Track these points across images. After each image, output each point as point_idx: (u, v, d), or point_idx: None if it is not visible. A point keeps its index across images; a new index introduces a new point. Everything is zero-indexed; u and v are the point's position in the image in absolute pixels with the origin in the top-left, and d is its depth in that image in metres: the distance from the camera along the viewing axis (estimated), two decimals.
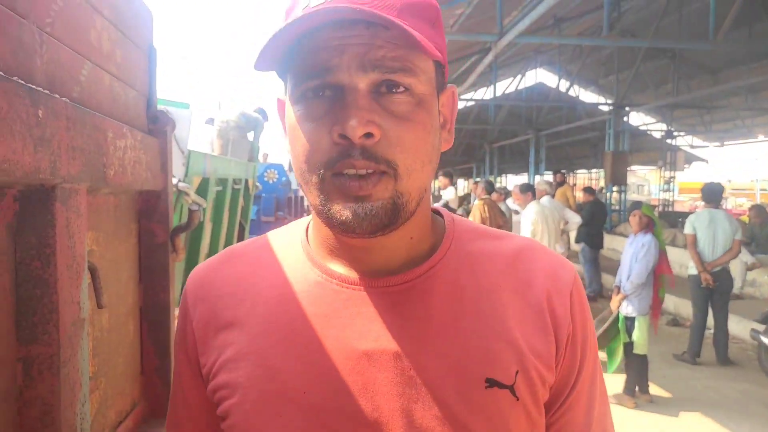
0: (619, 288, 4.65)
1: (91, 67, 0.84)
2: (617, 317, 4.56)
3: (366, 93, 0.55)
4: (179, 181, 2.05)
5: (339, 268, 0.66)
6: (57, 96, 0.68)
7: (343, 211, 0.57)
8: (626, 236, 10.30)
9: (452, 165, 26.14)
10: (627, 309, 4.54)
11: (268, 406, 0.61)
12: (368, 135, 0.54)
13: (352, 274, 0.65)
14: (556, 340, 0.66)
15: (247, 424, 0.62)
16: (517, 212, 7.60)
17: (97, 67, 0.86)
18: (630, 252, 4.63)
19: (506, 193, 9.43)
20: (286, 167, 6.65)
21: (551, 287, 0.68)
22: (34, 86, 0.62)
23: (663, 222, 11.54)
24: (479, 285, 0.66)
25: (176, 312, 1.74)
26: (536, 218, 5.90)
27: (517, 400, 0.62)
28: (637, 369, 4.58)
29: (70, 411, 0.68)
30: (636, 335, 4.46)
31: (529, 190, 6.07)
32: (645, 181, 31.44)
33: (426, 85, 0.59)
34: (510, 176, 28.68)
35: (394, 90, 0.56)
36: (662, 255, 4.55)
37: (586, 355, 0.70)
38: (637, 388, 4.63)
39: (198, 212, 1.18)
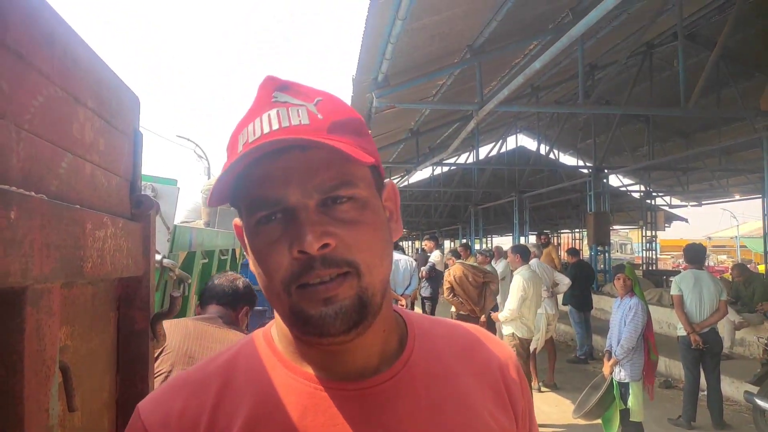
0: (610, 353, 4.59)
1: (71, 158, 0.82)
2: (611, 383, 4.48)
3: (315, 209, 0.61)
4: (163, 257, 2.01)
5: (320, 372, 0.67)
6: (32, 194, 0.65)
7: (314, 316, 0.60)
8: (613, 296, 10.28)
9: (438, 227, 26.32)
10: (620, 375, 4.46)
11: None
12: (325, 245, 0.59)
13: (330, 377, 0.66)
14: (515, 417, 0.74)
15: None
16: (503, 278, 7.60)
17: (78, 158, 0.85)
18: (618, 316, 4.62)
19: (491, 256, 9.45)
20: None
21: (504, 371, 0.76)
22: (7, 187, 0.60)
23: (647, 281, 11.58)
24: (446, 370, 0.71)
25: None
26: (528, 284, 5.85)
27: None
28: None
29: None
30: (631, 402, 4.38)
31: (518, 252, 6.11)
32: (628, 240, 31.79)
33: (366, 189, 0.64)
34: (495, 237, 28.84)
35: (338, 201, 0.62)
36: (649, 317, 4.54)
37: (533, 425, 0.80)
38: None
39: (179, 298, 1.15)
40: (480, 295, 6.57)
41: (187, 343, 1.78)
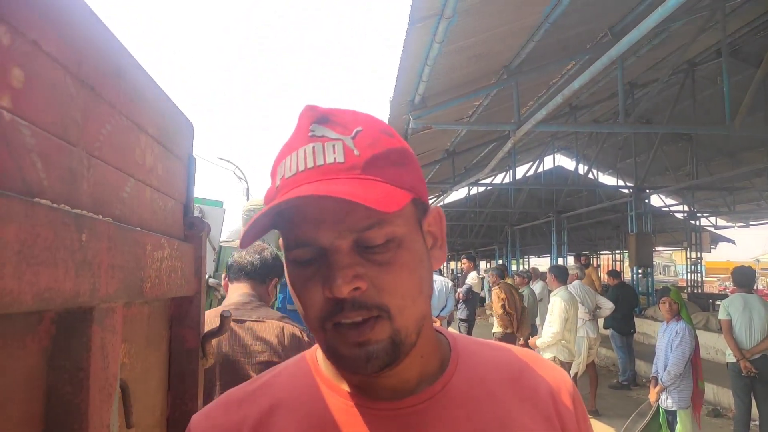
0: (656, 379, 4.45)
1: (133, 183, 0.86)
2: (657, 410, 4.33)
3: (348, 251, 0.60)
4: (209, 276, 2.06)
5: (360, 391, 0.68)
6: (100, 217, 0.69)
7: (346, 356, 0.61)
8: (657, 320, 9.96)
9: (474, 247, 26.10)
10: (667, 402, 4.31)
11: None
12: (356, 289, 0.59)
13: (371, 397, 0.67)
14: None
15: None
16: (541, 299, 7.48)
17: (139, 183, 0.89)
18: (664, 341, 4.47)
19: (529, 277, 9.30)
20: None
21: (557, 397, 0.73)
22: (79, 210, 0.64)
23: (693, 305, 11.19)
24: (490, 395, 0.70)
25: None
26: (568, 306, 5.75)
27: None
28: None
29: None
30: (679, 430, 4.21)
31: (555, 273, 6.03)
32: (671, 262, 30.83)
33: (403, 226, 0.63)
34: (532, 258, 28.39)
35: (373, 245, 0.61)
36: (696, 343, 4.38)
37: None
38: None
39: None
40: (521, 317, 6.50)
41: (218, 340, 1.79)
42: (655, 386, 4.40)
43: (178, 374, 1.12)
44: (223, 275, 2.11)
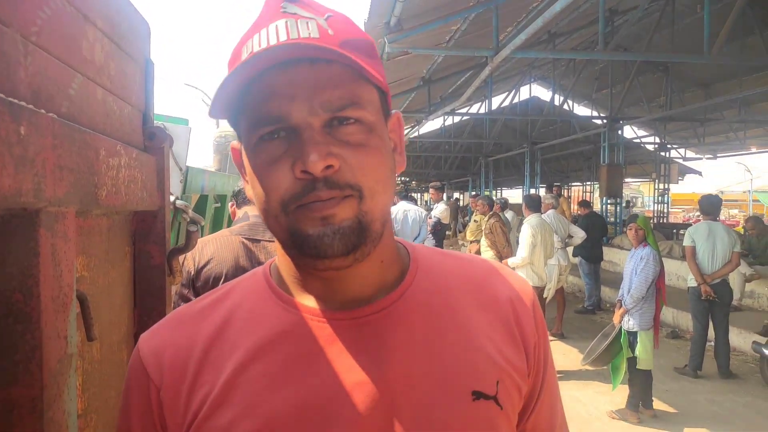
0: (621, 302, 4.60)
1: (82, 80, 0.78)
2: (620, 332, 4.51)
3: (320, 129, 0.58)
4: (176, 198, 1.99)
5: (312, 303, 0.66)
6: (43, 111, 0.62)
7: (312, 235, 0.58)
8: (623, 249, 10.26)
9: (448, 178, 26.18)
10: (629, 324, 4.48)
11: None
12: (329, 167, 0.57)
13: (327, 308, 0.65)
14: (526, 352, 0.71)
15: None
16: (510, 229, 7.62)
17: (89, 81, 0.80)
18: (630, 266, 4.60)
19: (503, 205, 9.41)
20: None
21: (516, 304, 0.72)
22: (15, 100, 0.56)
23: (658, 234, 11.53)
24: (449, 303, 0.69)
25: None
26: (536, 231, 5.88)
27: (501, 409, 0.66)
28: (640, 384, 4.53)
29: None
30: (639, 350, 4.41)
31: (526, 202, 6.18)
32: (639, 193, 31.55)
33: (373, 114, 0.62)
34: (505, 189, 28.69)
35: (345, 122, 0.59)
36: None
37: (548, 363, 0.75)
38: (640, 404, 4.57)
39: (197, 233, 1.12)
40: (507, 243, 6.67)
41: (235, 254, 1.92)
42: (619, 309, 4.56)
43: (144, 291, 1.08)
44: (230, 202, 2.19)
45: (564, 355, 6.35)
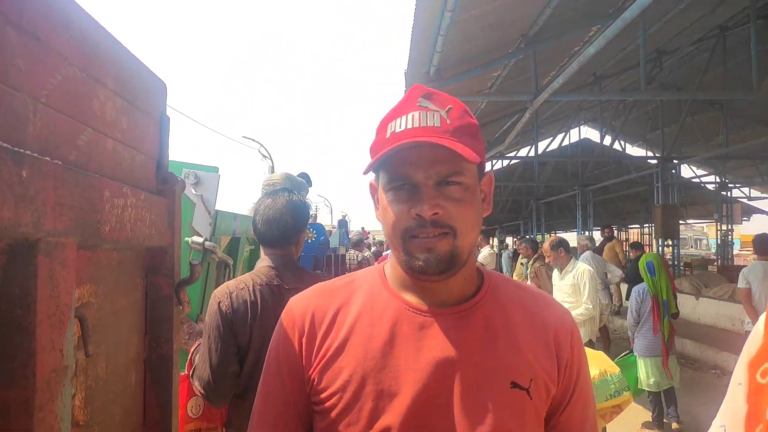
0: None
1: (92, 132, 0.91)
2: (631, 353, 5.10)
3: (432, 188, 0.88)
4: (205, 240, 2.13)
5: (411, 299, 0.95)
6: (47, 159, 0.74)
7: (419, 260, 0.88)
8: (681, 292, 9.81)
9: (500, 222, 25.94)
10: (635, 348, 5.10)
11: (368, 401, 0.88)
12: (435, 213, 0.87)
13: (423, 305, 0.94)
14: (558, 365, 0.95)
15: (347, 410, 0.89)
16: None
17: (99, 133, 0.94)
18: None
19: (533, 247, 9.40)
20: (327, 228, 6.82)
21: (558, 327, 0.98)
22: (21, 150, 0.69)
23: (721, 277, 10.99)
24: (506, 318, 0.96)
25: (190, 350, 1.77)
26: (592, 276, 5.62)
27: (531, 399, 0.91)
28: (653, 403, 5.15)
29: None
30: (639, 373, 4.93)
31: (560, 246, 5.39)
32: (704, 235, 30.12)
33: (470, 179, 0.90)
34: (559, 232, 28.07)
35: (449, 184, 0.88)
36: (653, 300, 4.93)
37: (579, 381, 0.98)
38: (664, 418, 5.11)
39: (198, 266, 1.23)
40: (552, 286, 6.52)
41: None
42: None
43: (154, 319, 1.19)
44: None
45: None
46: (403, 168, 0.88)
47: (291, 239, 2.03)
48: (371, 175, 0.99)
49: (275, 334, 1.01)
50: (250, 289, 1.83)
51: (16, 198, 0.67)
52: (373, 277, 1.01)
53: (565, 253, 5.32)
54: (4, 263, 0.71)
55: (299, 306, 0.99)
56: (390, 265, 1.00)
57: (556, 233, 26.73)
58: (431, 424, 0.88)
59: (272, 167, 17.94)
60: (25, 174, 0.68)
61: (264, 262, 1.99)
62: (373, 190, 0.99)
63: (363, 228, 14.26)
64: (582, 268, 5.21)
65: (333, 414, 0.90)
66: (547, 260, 5.72)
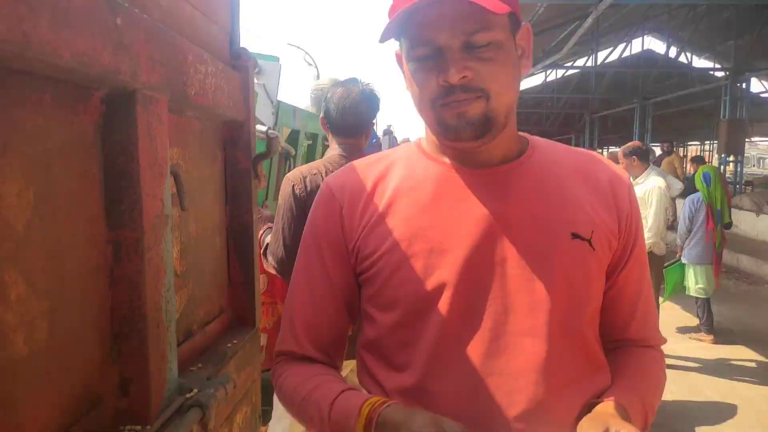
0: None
1: None
2: (677, 261, 5.16)
3: (458, 50, 0.80)
4: (269, 128, 2.16)
5: (455, 161, 0.92)
6: (137, 10, 0.75)
7: (451, 125, 0.83)
8: (740, 208, 9.46)
9: (550, 135, 25.15)
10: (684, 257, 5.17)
11: (419, 259, 0.87)
12: (464, 77, 0.79)
13: (463, 165, 0.91)
14: (618, 219, 0.92)
15: (398, 269, 0.88)
16: None
17: None
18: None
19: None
20: (380, 132, 6.82)
21: (614, 182, 0.94)
22: None
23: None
24: (558, 175, 0.92)
25: (259, 233, 1.86)
26: (663, 194, 5.17)
27: (594, 250, 0.88)
28: (701, 307, 5.10)
29: (155, 290, 0.77)
30: (687, 280, 5.04)
31: (634, 154, 4.58)
32: (767, 154, 28.58)
33: (501, 33, 0.82)
34: (612, 148, 27.13)
35: (478, 47, 0.80)
36: (707, 208, 4.93)
37: (638, 237, 0.96)
38: (710, 326, 5.10)
39: (277, 139, 1.26)
40: None
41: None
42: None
43: (233, 190, 1.23)
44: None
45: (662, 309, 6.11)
46: (424, 31, 0.81)
47: (362, 128, 2.06)
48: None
49: (311, 215, 0.99)
50: (323, 174, 1.89)
51: (114, 45, 0.68)
52: (409, 149, 0.99)
53: (639, 162, 4.56)
54: (105, 112, 0.74)
55: (336, 183, 0.97)
56: (425, 137, 0.97)
57: (608, 149, 25.86)
58: (486, 278, 0.86)
59: (317, 75, 17.73)
60: (119, 22, 0.69)
61: (335, 150, 2.04)
62: (399, 59, 0.92)
63: (408, 139, 14.35)
64: (652, 185, 4.47)
65: (384, 276, 0.89)
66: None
